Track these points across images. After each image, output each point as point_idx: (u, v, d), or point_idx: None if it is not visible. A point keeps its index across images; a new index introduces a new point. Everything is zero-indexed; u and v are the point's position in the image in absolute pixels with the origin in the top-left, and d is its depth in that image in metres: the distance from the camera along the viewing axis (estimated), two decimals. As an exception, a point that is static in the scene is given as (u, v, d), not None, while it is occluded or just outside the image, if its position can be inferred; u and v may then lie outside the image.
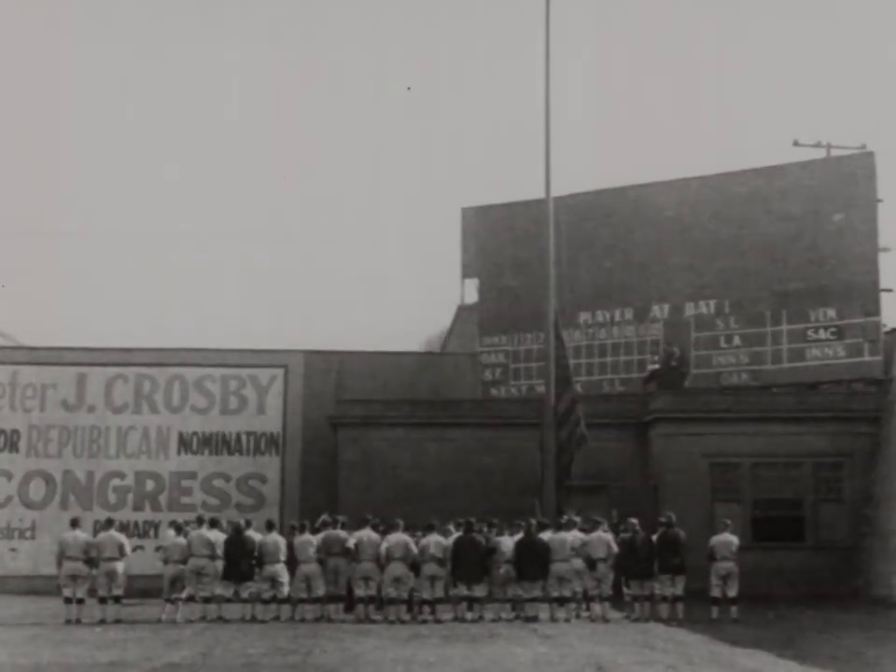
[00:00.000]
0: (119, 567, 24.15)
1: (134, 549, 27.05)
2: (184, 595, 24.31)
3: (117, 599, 23.96)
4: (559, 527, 25.13)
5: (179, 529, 25.12)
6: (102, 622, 23.45)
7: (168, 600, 24.22)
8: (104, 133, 67.78)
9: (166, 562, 24.60)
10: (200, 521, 25.77)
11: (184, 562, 24.38)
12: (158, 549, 27.51)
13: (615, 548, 24.64)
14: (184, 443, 34.01)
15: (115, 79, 65.82)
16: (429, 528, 24.60)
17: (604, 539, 24.72)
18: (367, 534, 24.53)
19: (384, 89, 71.01)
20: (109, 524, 25.28)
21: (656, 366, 32.83)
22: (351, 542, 24.37)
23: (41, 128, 68.14)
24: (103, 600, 24.00)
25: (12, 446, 33.65)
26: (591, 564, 24.46)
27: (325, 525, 25.05)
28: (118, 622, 23.46)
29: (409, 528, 24.77)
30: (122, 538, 24.79)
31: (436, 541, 24.37)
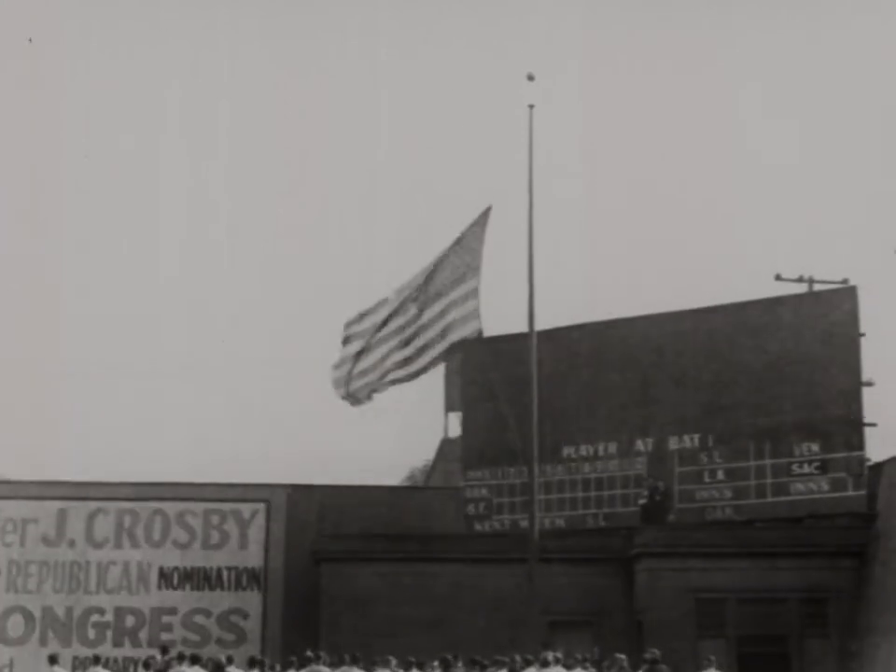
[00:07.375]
0: (105, 703, 23.94)
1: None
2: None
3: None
4: (544, 664, 24.83)
5: (147, 665, 24.89)
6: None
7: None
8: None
9: None
10: (181, 657, 25.56)
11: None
12: None
13: (599, 684, 24.45)
14: (165, 578, 33.70)
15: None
16: (409, 665, 24.45)
17: (587, 676, 24.52)
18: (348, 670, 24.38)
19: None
20: (96, 661, 25.22)
21: (645, 501, 32.72)
22: (333, 679, 24.18)
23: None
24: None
25: (-9, 582, 33.35)
26: (573, 701, 24.21)
27: (307, 661, 24.87)
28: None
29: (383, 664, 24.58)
30: None
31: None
